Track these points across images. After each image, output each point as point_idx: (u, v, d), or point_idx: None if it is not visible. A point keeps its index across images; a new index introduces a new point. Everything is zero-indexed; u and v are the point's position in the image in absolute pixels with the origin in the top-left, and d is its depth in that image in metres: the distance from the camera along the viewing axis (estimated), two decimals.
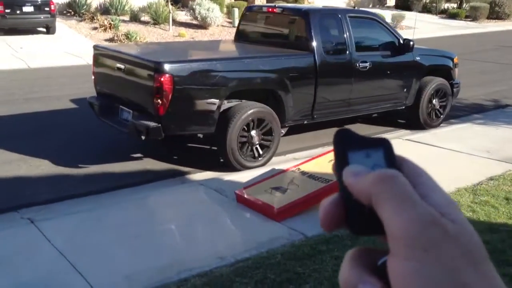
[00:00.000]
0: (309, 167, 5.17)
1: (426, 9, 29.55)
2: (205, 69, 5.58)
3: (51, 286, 3.35)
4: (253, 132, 5.81)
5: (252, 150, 5.86)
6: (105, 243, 4.05)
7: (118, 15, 18.93)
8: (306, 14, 6.51)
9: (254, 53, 6.50)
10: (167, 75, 5.15)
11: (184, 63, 5.58)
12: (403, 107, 7.56)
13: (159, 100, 5.17)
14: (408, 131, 7.71)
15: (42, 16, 16.44)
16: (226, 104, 5.69)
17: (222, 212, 4.63)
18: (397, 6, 29.91)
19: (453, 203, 0.46)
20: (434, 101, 7.71)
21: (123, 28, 17.61)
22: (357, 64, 6.67)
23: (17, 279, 3.42)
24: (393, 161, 0.51)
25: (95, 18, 18.63)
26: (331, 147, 0.51)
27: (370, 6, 29.97)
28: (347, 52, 6.63)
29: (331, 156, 5.38)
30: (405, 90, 7.38)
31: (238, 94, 5.75)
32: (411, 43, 7.10)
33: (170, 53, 6.87)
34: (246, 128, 5.74)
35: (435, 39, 21.16)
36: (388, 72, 7.15)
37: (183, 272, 3.50)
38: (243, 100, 5.80)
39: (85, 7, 19.49)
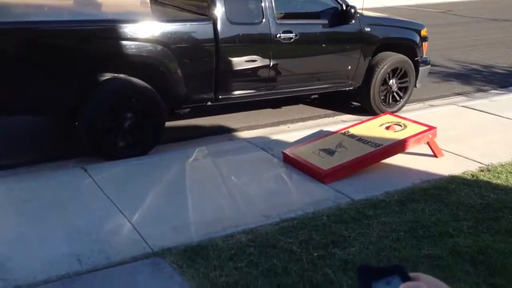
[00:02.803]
0: (358, 130, 5.07)
1: None
2: (44, 35, 4.57)
3: (103, 232, 3.48)
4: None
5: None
6: (153, 194, 4.15)
7: None
8: None
9: (132, 17, 5.31)
10: None
11: (11, 25, 4.56)
12: (351, 88, 6.31)
13: None
14: (465, 97, 7.41)
15: None
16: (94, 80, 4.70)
17: (268, 171, 4.64)
18: None
19: None
20: (390, 82, 6.37)
21: None
22: (278, 35, 5.42)
23: (71, 222, 3.56)
24: (410, 284, 0.64)
25: None
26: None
27: None
28: (263, 20, 5.37)
29: (382, 119, 5.28)
30: (348, 67, 6.05)
31: (110, 67, 4.80)
32: (352, 10, 5.76)
33: (21, 12, 5.58)
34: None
35: (498, 0, 19.96)
36: (323, 45, 5.83)
37: (229, 228, 3.55)
38: (120, 75, 4.81)
39: None
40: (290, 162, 4.70)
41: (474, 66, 9.31)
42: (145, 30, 4.84)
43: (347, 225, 3.58)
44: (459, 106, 6.73)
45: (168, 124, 5.23)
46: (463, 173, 4.54)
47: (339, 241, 3.37)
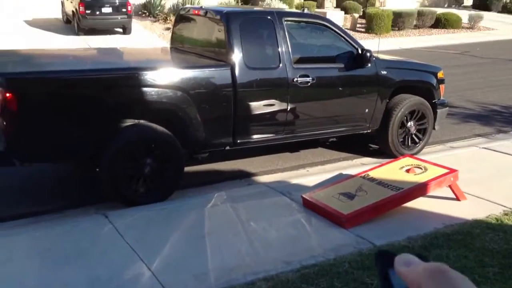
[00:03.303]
0: (378, 174, 5.04)
1: (506, 9, 28.04)
2: (68, 84, 4.71)
3: (123, 280, 3.47)
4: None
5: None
6: (174, 241, 4.15)
7: None
8: (225, 18, 5.39)
9: (152, 64, 5.35)
10: (10, 89, 4.31)
11: (36, 75, 4.70)
12: (369, 131, 6.29)
13: (3, 121, 4.40)
14: (485, 139, 7.34)
15: (119, 17, 17.15)
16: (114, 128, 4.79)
17: (288, 215, 4.61)
18: (475, 6, 28.59)
19: None
20: (408, 124, 6.37)
21: None
22: (295, 79, 5.48)
23: (92, 270, 3.57)
24: None
25: (168, 18, 19.18)
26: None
27: (446, 5, 28.88)
28: (280, 64, 5.45)
29: (401, 162, 5.25)
30: (366, 110, 6.08)
31: (130, 113, 4.90)
32: (368, 53, 5.80)
33: (46, 61, 5.79)
34: None
35: None
36: (340, 88, 5.88)
37: (249, 275, 3.51)
38: (141, 121, 4.91)
39: (159, 8, 20.13)
40: (310, 206, 4.67)
41: (494, 107, 9.26)
42: (165, 77, 4.96)
43: (369, 271, 3.51)
44: (480, 147, 6.67)
45: (187, 169, 5.28)
46: (487, 217, 4.46)
47: None
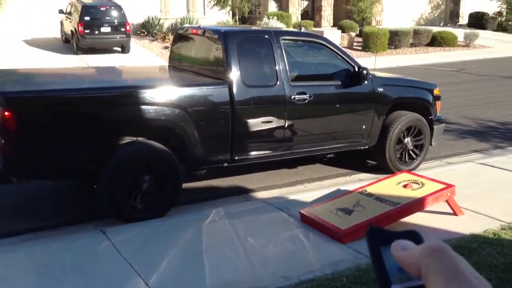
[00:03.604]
0: (376, 189, 5.06)
1: (501, 28, 28.36)
2: (66, 102, 4.75)
3: None
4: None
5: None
6: (171, 257, 4.14)
7: None
8: (222, 37, 5.45)
9: (151, 82, 5.43)
10: (9, 108, 4.34)
11: (35, 94, 4.78)
12: (366, 147, 6.34)
13: (2, 139, 4.43)
14: (482, 155, 7.38)
15: (118, 36, 17.31)
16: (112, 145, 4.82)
17: (286, 231, 4.61)
18: (470, 24, 28.92)
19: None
20: (405, 140, 6.41)
21: None
22: (292, 97, 5.53)
23: (89, 286, 3.56)
24: None
25: (166, 37, 19.37)
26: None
27: (441, 24, 29.19)
28: (278, 82, 5.50)
29: (399, 178, 5.27)
30: (363, 127, 6.12)
31: (129, 131, 4.94)
32: (364, 71, 5.85)
33: (45, 80, 5.85)
34: None
35: (510, 59, 20.23)
36: (337, 105, 5.92)
37: None
38: (139, 138, 4.95)
39: (157, 27, 20.33)
40: (308, 222, 4.68)
41: (490, 123, 9.32)
42: (163, 95, 5.01)
43: (367, 286, 3.51)
44: (476, 163, 6.70)
45: (185, 185, 5.30)
46: (484, 231, 4.47)
47: None
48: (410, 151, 6.54)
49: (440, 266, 0.45)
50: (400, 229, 0.60)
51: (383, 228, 0.60)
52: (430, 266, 0.45)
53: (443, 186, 4.89)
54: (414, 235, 0.58)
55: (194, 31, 6.16)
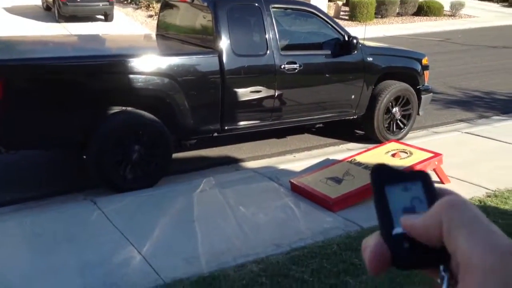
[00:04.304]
0: (365, 158, 5.11)
1: None
2: (55, 70, 4.67)
3: (114, 264, 3.49)
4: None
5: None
6: (163, 226, 4.17)
7: None
8: (212, 5, 5.37)
9: (139, 51, 5.31)
10: None
11: (23, 61, 4.69)
12: (355, 117, 6.36)
13: None
14: (468, 124, 7.47)
15: (101, 4, 16.92)
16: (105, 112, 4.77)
17: (276, 200, 4.66)
18: None
19: None
20: (394, 110, 6.45)
21: None
22: (282, 66, 5.51)
23: (82, 255, 3.57)
24: (433, 193, 0.51)
25: (150, 6, 18.99)
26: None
27: None
28: (268, 51, 5.47)
29: (387, 147, 5.33)
30: (352, 96, 6.14)
31: (118, 100, 4.90)
32: (354, 40, 5.85)
33: (31, 48, 5.76)
34: None
35: (496, 28, 20.29)
36: (327, 75, 5.93)
37: (239, 258, 3.55)
38: (128, 108, 4.91)
39: None
40: (298, 191, 4.73)
41: (476, 93, 9.41)
42: (152, 64, 4.94)
43: (357, 252, 3.58)
44: (462, 132, 6.79)
45: (175, 155, 5.29)
46: (470, 199, 4.56)
47: (350, 269, 3.37)
48: (398, 121, 6.59)
49: (461, 219, 0.44)
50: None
51: (391, 166, 0.55)
52: (452, 220, 0.44)
53: (430, 155, 4.96)
54: (423, 175, 0.53)
55: None
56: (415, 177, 0.53)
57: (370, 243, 0.49)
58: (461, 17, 23.14)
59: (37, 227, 4.01)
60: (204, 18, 5.59)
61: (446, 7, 23.28)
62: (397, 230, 0.50)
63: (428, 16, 22.58)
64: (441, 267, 0.47)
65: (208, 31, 5.45)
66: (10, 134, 4.52)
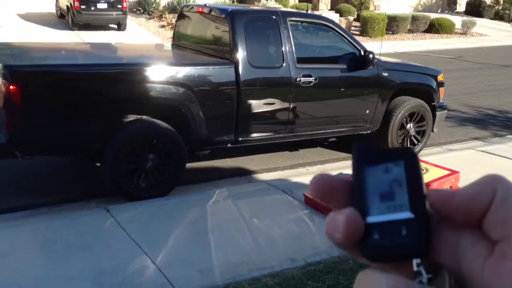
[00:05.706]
0: None
1: (498, 16, 28.31)
2: (73, 78, 4.72)
3: (128, 274, 3.45)
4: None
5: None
6: (177, 236, 4.13)
7: None
8: (230, 17, 5.35)
9: (156, 60, 5.36)
10: (15, 82, 4.27)
11: (41, 68, 4.72)
12: (369, 132, 6.26)
13: (7, 113, 4.37)
14: (482, 142, 7.41)
15: (114, 13, 17.06)
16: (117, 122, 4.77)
17: (291, 213, 4.61)
18: (468, 12, 28.82)
19: None
20: (408, 126, 6.38)
21: None
22: (298, 79, 5.48)
23: (96, 264, 3.54)
24: (416, 174, 0.45)
25: (163, 16, 19.13)
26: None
27: (439, 11, 29.08)
28: (284, 64, 5.45)
29: None
30: (367, 111, 6.08)
31: (134, 109, 4.88)
32: (371, 55, 5.81)
33: (49, 55, 5.81)
34: None
35: (507, 47, 20.26)
36: (342, 89, 5.89)
37: (254, 271, 3.51)
38: (144, 116, 4.90)
39: (154, 5, 20.05)
40: (312, 205, 4.68)
41: (489, 111, 9.35)
42: (168, 73, 4.94)
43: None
44: (477, 150, 6.73)
45: (187, 165, 5.27)
46: None
47: None
48: (412, 137, 6.54)
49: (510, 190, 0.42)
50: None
51: (371, 146, 0.47)
52: (508, 189, 0.42)
53: (447, 172, 4.91)
54: (407, 154, 0.46)
55: (200, 9, 6.06)
56: (399, 156, 0.46)
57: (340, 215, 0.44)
58: (472, 36, 23.12)
59: (51, 234, 3.99)
60: (221, 29, 5.60)
61: (458, 25, 23.28)
62: (372, 218, 0.43)
63: (439, 33, 22.58)
64: (415, 262, 0.41)
65: (225, 42, 5.46)
66: (26, 139, 4.51)
